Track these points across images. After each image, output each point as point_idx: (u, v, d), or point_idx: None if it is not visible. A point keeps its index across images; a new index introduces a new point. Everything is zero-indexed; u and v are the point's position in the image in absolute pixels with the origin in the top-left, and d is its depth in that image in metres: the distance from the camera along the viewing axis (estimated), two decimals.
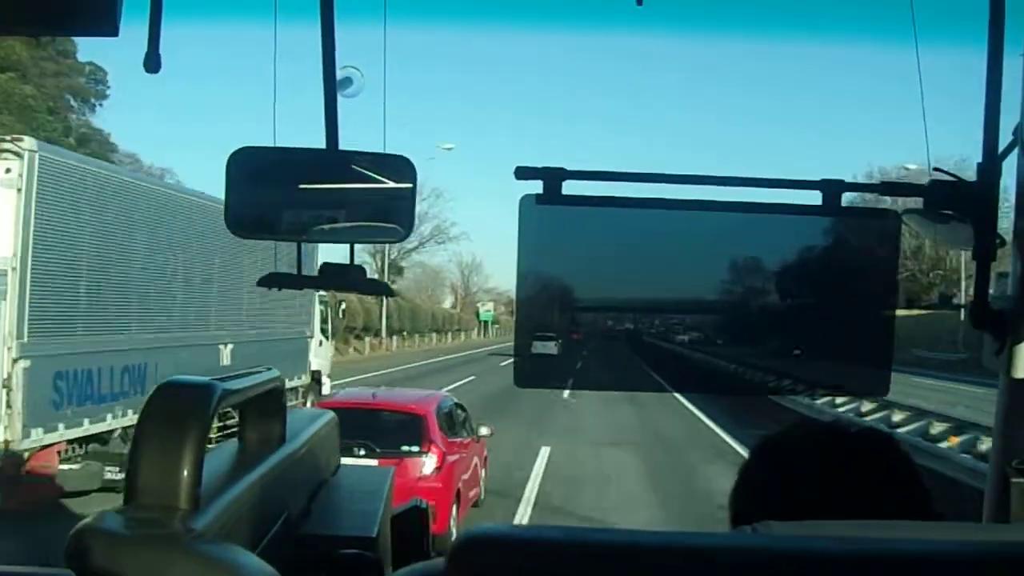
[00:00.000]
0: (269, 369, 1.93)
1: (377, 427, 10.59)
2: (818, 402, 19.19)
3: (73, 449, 12.50)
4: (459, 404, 12.27)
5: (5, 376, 11.20)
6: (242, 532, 1.47)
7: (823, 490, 1.23)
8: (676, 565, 0.90)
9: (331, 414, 2.53)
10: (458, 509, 11.00)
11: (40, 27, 1.33)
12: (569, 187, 1.56)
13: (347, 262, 1.78)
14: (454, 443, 11.05)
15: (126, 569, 1.20)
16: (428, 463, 10.33)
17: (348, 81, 1.79)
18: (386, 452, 10.10)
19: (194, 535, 1.28)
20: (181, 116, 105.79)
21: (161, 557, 1.23)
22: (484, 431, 12.31)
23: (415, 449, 10.38)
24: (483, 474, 13.00)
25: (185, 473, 1.33)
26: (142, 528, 1.29)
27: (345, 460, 7.02)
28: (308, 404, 16.92)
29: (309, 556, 1.85)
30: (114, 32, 1.27)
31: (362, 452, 10.00)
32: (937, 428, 16.91)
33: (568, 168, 1.57)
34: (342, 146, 1.74)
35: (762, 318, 1.83)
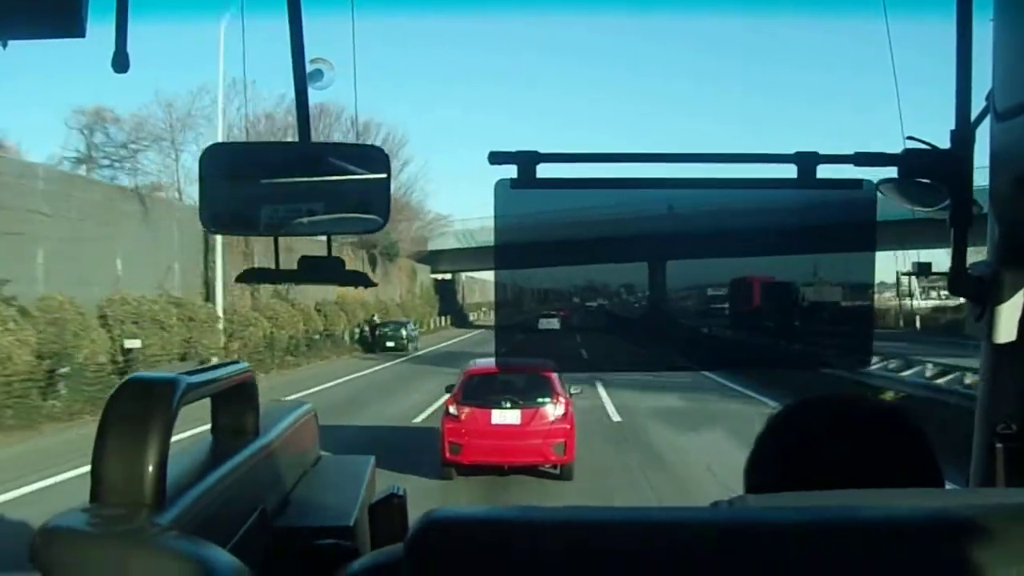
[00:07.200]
0: (238, 361, 1.92)
1: (515, 385, 13.70)
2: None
3: None
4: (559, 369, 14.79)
5: None
6: (213, 527, 1.46)
7: (835, 464, 1.23)
8: (638, 541, 0.90)
9: (309, 405, 2.52)
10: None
11: (5, 30, 1.31)
12: (543, 171, 1.55)
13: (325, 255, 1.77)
14: (568, 396, 13.88)
15: (90, 567, 1.21)
16: (559, 410, 13.30)
17: (319, 74, 1.77)
18: (526, 404, 13.30)
19: (159, 531, 1.28)
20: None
21: (124, 553, 1.23)
22: (574, 390, 14.52)
23: (547, 400, 13.39)
24: None
25: (149, 469, 1.33)
26: (106, 525, 1.29)
27: (495, 412, 10.93)
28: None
29: (285, 548, 1.85)
30: (81, 33, 1.26)
31: (508, 404, 13.21)
32: None
33: (542, 151, 1.56)
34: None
35: (740, 292, 1.84)
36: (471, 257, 65.84)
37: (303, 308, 39.32)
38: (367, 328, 45.26)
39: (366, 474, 2.43)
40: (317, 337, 40.34)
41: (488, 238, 53.70)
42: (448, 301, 75.55)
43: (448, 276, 77.90)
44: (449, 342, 49.13)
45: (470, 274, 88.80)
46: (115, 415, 1.37)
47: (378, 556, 1.09)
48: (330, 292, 42.32)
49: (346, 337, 44.35)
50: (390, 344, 42.08)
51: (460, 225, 70.46)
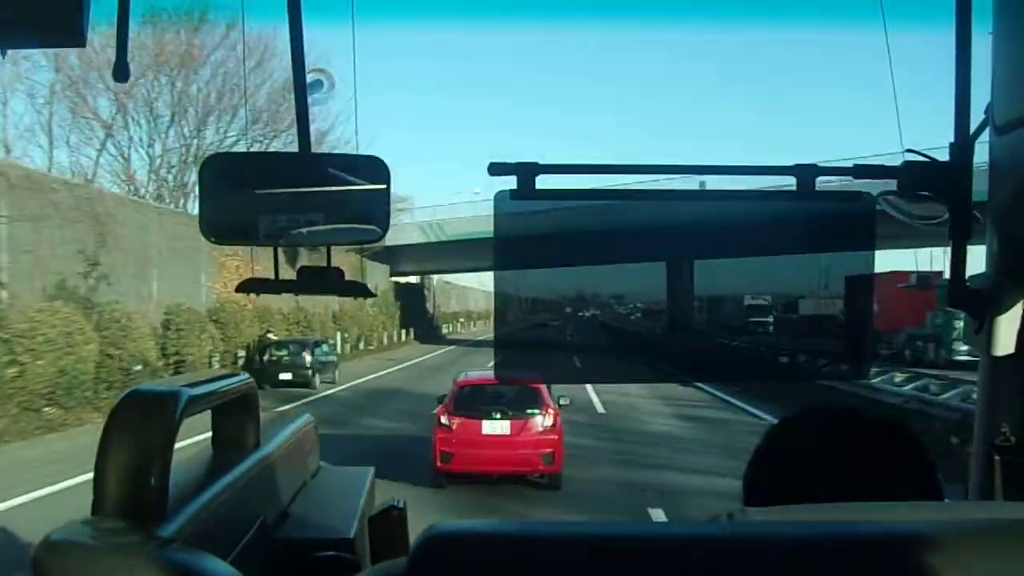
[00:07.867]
0: (239, 374, 1.92)
1: (505, 397, 14.12)
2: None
3: None
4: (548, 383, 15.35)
5: None
6: (214, 539, 1.46)
7: (836, 478, 1.23)
8: (641, 557, 0.90)
9: (308, 417, 2.52)
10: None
11: (6, 40, 1.31)
12: (543, 182, 1.55)
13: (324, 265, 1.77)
14: (557, 408, 14.37)
15: None
16: (547, 420, 13.77)
17: (318, 84, 1.78)
18: (516, 415, 13.70)
19: (159, 543, 1.27)
20: None
21: (126, 566, 1.22)
22: (564, 401, 14.94)
23: (537, 411, 13.83)
24: None
25: (151, 482, 1.33)
26: (107, 538, 1.29)
27: (485, 423, 11.50)
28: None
29: (285, 560, 1.85)
30: (81, 43, 1.26)
31: (498, 415, 13.58)
32: None
33: (542, 162, 1.56)
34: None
35: (740, 304, 1.84)
36: (442, 255, 53.55)
37: (119, 320, 24.21)
38: (258, 352, 30.29)
39: (365, 485, 2.43)
40: (140, 368, 23.86)
41: (461, 230, 47.51)
42: (414, 311, 62.21)
43: (415, 280, 65.39)
44: (396, 367, 36.53)
45: (445, 278, 77.52)
46: (117, 427, 1.37)
47: (379, 570, 1.09)
48: (201, 297, 30.00)
49: (215, 365, 27.94)
50: (285, 376, 27.45)
51: (425, 214, 56.16)
